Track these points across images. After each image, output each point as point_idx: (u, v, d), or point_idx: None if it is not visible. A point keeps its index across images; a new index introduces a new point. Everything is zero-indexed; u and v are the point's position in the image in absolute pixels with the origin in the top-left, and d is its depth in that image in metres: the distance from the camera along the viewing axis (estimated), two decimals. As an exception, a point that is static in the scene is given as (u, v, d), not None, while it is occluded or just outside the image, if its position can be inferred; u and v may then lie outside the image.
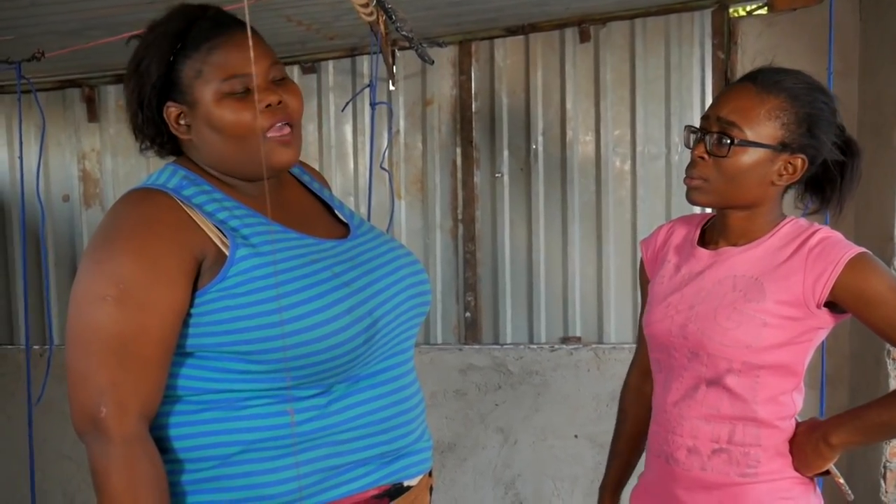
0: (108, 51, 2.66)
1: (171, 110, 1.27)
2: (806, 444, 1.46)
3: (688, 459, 1.50)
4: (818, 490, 1.54)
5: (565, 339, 3.55)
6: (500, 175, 3.57)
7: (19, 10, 2.37)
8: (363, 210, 3.55)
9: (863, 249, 1.42)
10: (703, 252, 1.54)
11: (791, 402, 1.49)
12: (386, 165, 3.33)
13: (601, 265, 3.51)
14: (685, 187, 1.50)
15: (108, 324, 1.16)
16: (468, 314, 3.63)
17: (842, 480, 1.49)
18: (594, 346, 3.48)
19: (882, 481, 2.91)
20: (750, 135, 1.40)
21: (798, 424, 1.51)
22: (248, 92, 1.24)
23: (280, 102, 1.27)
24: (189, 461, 1.25)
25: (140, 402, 1.17)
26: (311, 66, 3.58)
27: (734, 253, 1.50)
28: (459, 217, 3.61)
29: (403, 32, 1.82)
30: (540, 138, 3.53)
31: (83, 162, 3.80)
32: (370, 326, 1.26)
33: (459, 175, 3.59)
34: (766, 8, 3.36)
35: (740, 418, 1.46)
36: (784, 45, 3.21)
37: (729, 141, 1.40)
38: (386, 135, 3.40)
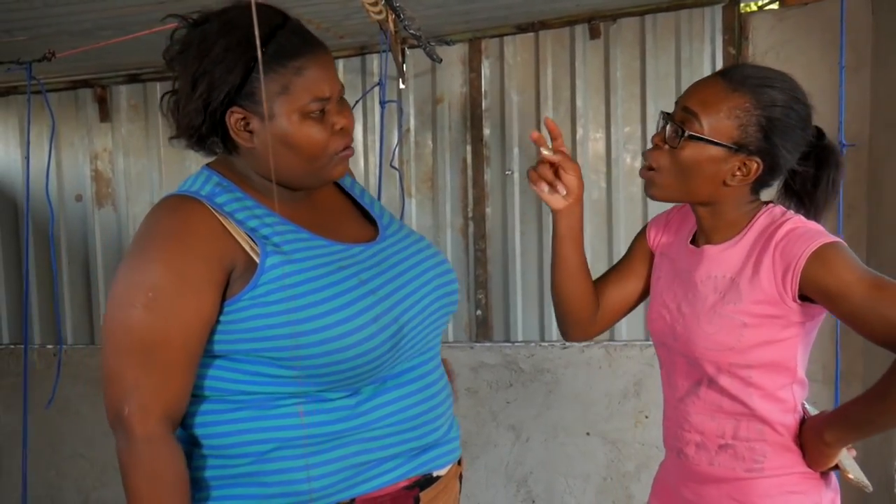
0: (119, 50, 2.67)
1: (237, 116, 1.26)
2: (808, 442, 1.45)
3: (697, 454, 1.51)
4: (835, 483, 1.53)
5: (577, 337, 3.54)
6: (510, 172, 3.56)
7: (32, 11, 2.39)
8: (374, 208, 3.56)
9: (829, 240, 1.37)
10: (691, 249, 1.54)
11: (791, 397, 1.48)
12: (396, 164, 3.33)
13: (612, 262, 3.50)
14: None
15: (135, 329, 1.22)
16: (479, 312, 3.63)
17: (852, 476, 1.47)
18: (605, 343, 3.48)
19: (896, 477, 2.90)
20: (707, 129, 1.38)
21: (803, 421, 1.50)
22: (323, 113, 1.28)
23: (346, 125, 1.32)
24: (228, 457, 1.30)
25: (162, 405, 1.23)
26: (321, 65, 3.58)
27: (714, 252, 1.48)
28: (470, 215, 3.61)
29: (411, 31, 1.82)
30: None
31: (95, 162, 3.83)
32: (396, 333, 1.29)
33: (470, 173, 3.59)
34: (777, 2, 3.35)
35: (742, 414, 1.46)
36: (795, 39, 3.20)
37: (682, 132, 1.39)
38: (396, 133, 3.40)
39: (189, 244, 1.23)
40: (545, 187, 1.52)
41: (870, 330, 1.33)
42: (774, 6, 3.39)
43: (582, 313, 1.66)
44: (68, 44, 2.68)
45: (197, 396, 1.30)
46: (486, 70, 3.54)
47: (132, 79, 3.69)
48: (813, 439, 1.44)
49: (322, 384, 1.27)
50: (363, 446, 1.29)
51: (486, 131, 3.56)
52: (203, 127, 1.27)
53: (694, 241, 1.56)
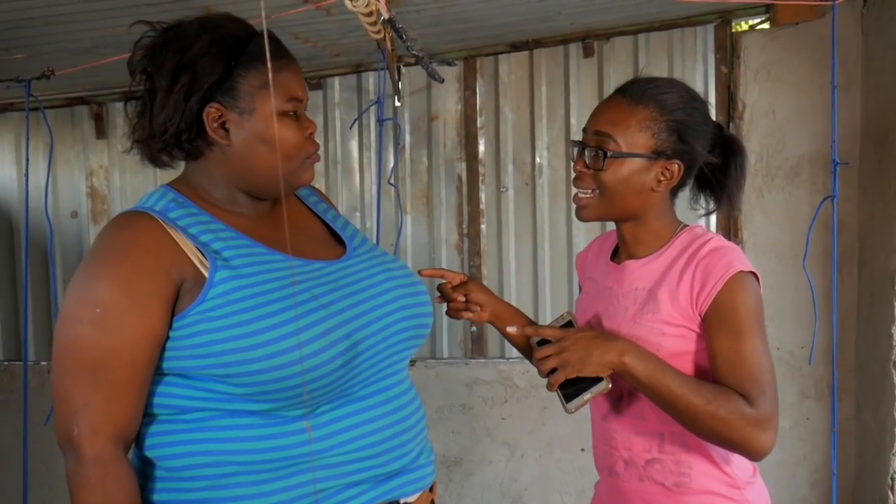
0: (117, 68, 2.68)
1: (213, 112, 1.25)
2: (598, 338, 1.40)
3: (626, 471, 1.52)
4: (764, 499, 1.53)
5: (571, 353, 3.55)
6: (505, 189, 3.59)
7: (33, 29, 2.40)
8: (370, 225, 3.57)
9: (747, 268, 1.41)
10: (611, 266, 1.58)
11: None
12: (392, 181, 3.35)
13: (606, 278, 3.52)
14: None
15: (82, 346, 1.19)
16: (474, 328, 3.64)
17: (571, 406, 1.41)
18: (600, 359, 3.48)
19: (890, 493, 2.91)
20: (623, 146, 1.43)
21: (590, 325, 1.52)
22: (295, 115, 1.30)
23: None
24: (183, 480, 1.25)
25: (112, 424, 1.19)
26: (317, 83, 3.61)
27: (636, 266, 1.52)
28: (465, 231, 3.63)
29: (414, 51, 1.83)
30: (544, 152, 3.56)
31: (91, 179, 3.84)
32: (348, 349, 1.25)
33: (465, 190, 3.62)
34: (768, 22, 3.39)
35: (667, 423, 1.45)
36: (786, 58, 3.24)
37: (603, 154, 1.44)
38: (392, 150, 3.42)
39: (136, 259, 1.21)
40: (469, 315, 1.63)
41: (723, 371, 1.38)
42: (766, 25, 3.43)
43: None
44: (66, 61, 2.69)
45: (150, 416, 1.26)
46: (480, 88, 3.57)
47: (131, 96, 3.71)
48: (609, 343, 1.39)
49: (274, 402, 1.22)
50: (323, 472, 1.24)
51: (481, 148, 3.59)
52: (180, 123, 1.24)
53: (615, 259, 1.59)
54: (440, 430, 3.51)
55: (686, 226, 1.53)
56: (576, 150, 1.51)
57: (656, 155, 1.44)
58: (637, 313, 1.47)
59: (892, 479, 2.91)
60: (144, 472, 1.28)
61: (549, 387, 1.41)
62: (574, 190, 1.52)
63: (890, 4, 2.95)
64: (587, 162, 1.47)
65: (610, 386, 1.39)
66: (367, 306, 1.31)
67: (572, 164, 1.51)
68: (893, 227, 2.88)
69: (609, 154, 1.44)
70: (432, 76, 1.82)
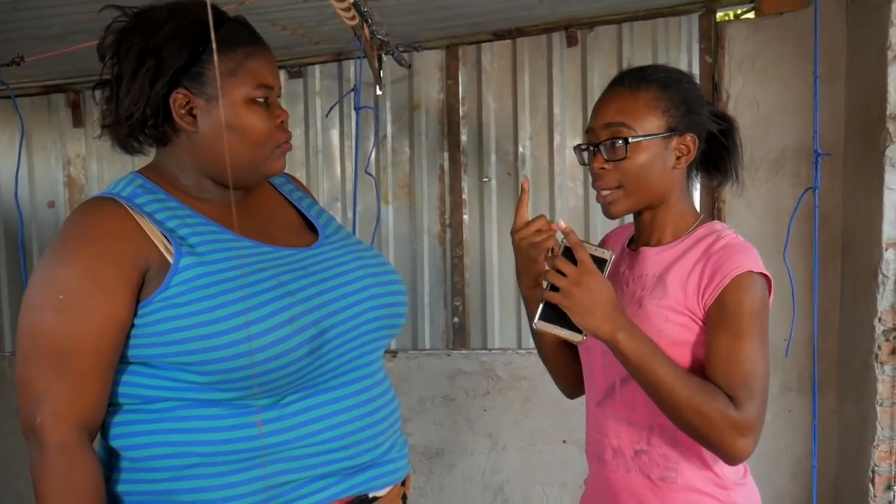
0: (92, 55, 2.63)
1: (180, 98, 1.24)
2: (608, 303, 1.33)
3: (614, 460, 1.52)
4: (755, 499, 1.52)
5: (554, 344, 3.54)
6: (487, 180, 3.56)
7: (1, 16, 2.36)
8: (350, 215, 3.54)
9: (758, 269, 1.40)
10: (627, 252, 1.57)
11: None
12: (372, 170, 3.32)
13: (589, 270, 3.50)
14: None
15: (46, 333, 1.18)
16: (456, 319, 3.62)
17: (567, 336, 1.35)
18: (583, 350, 3.47)
19: (870, 485, 2.91)
20: (639, 130, 1.44)
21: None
22: (266, 103, 1.28)
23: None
24: (145, 471, 1.24)
25: (76, 413, 1.18)
26: (297, 71, 3.57)
27: (651, 254, 1.51)
28: (447, 222, 3.60)
29: (380, 36, 1.81)
30: (527, 142, 3.53)
31: (68, 168, 3.78)
32: (315, 337, 1.23)
33: (447, 180, 3.58)
34: (753, 12, 3.37)
35: (658, 417, 1.43)
36: (771, 49, 3.22)
37: (622, 141, 1.44)
38: (373, 139, 3.39)
39: (101, 244, 1.19)
40: None
41: (715, 369, 1.37)
42: (750, 16, 3.40)
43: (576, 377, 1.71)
44: (39, 48, 2.64)
45: (115, 405, 1.24)
46: (463, 77, 3.53)
47: (106, 84, 3.66)
48: (611, 315, 1.33)
49: (238, 390, 1.21)
50: (289, 465, 1.23)
51: (464, 138, 3.56)
52: (145, 108, 1.24)
53: (632, 246, 1.58)
54: (421, 421, 3.49)
55: (706, 220, 1.53)
56: (585, 153, 1.49)
57: (670, 132, 1.45)
58: (643, 297, 1.47)
59: (874, 471, 2.91)
60: (110, 462, 1.26)
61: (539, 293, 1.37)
62: (597, 193, 1.50)
63: (875, -6, 2.93)
64: (605, 157, 1.45)
65: (584, 340, 1.34)
66: (337, 294, 1.30)
67: (587, 167, 1.49)
68: (877, 219, 2.86)
69: (629, 140, 1.43)
70: (399, 61, 1.80)
